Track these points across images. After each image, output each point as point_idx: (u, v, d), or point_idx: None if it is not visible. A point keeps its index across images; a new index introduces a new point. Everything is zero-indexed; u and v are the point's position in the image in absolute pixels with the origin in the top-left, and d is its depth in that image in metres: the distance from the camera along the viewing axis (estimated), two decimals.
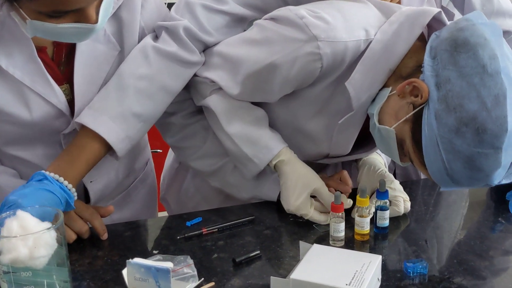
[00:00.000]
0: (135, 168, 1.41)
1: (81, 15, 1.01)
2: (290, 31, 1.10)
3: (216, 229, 1.15)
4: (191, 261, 0.91)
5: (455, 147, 0.97)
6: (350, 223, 1.14)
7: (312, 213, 1.18)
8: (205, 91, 1.23)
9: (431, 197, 1.32)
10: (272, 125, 1.24)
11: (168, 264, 0.84)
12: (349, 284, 0.90)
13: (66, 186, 1.08)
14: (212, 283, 0.97)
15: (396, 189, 1.22)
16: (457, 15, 1.48)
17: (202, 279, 0.93)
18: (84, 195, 1.29)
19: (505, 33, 1.39)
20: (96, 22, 1.02)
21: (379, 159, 1.31)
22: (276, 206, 1.24)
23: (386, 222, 1.14)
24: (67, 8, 0.98)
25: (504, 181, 1.02)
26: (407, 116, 1.04)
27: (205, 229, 1.14)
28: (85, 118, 1.14)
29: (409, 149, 1.06)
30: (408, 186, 1.33)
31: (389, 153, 1.13)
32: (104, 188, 1.30)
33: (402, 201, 1.20)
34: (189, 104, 1.29)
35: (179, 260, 0.89)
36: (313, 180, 1.19)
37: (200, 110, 1.30)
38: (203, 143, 1.29)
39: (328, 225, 1.14)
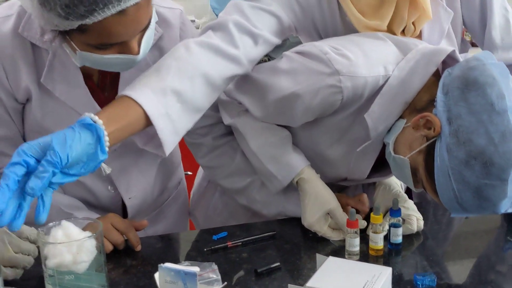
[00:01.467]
0: (168, 186, 1.52)
1: (125, 47, 1.12)
2: (315, 64, 1.19)
3: (240, 243, 1.25)
4: (215, 267, 1.00)
5: (465, 178, 1.05)
6: (365, 239, 1.22)
7: (325, 231, 1.26)
8: (233, 111, 1.34)
9: (444, 216, 1.38)
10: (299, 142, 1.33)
11: (195, 269, 0.93)
12: None
13: (96, 122, 1.00)
14: None
15: (409, 208, 1.29)
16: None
17: (226, 283, 1.03)
18: (122, 211, 1.40)
19: None
20: (138, 53, 1.13)
21: (394, 180, 1.38)
22: (297, 222, 1.33)
23: (399, 239, 1.22)
24: (112, 41, 1.09)
25: (510, 210, 1.09)
26: (421, 147, 1.12)
27: (230, 243, 1.24)
28: (126, 90, 1.13)
29: (422, 177, 1.14)
30: (423, 206, 1.40)
31: (404, 180, 1.21)
32: (141, 204, 1.41)
33: (415, 220, 1.27)
34: (219, 127, 1.40)
35: (205, 266, 0.99)
36: (329, 201, 1.27)
37: (229, 132, 1.40)
38: (231, 163, 1.39)
39: (344, 239, 1.22)
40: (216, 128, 1.40)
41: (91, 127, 0.98)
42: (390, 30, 1.30)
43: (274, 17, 1.34)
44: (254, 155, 1.32)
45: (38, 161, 0.92)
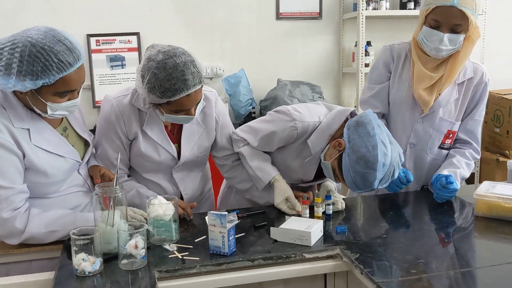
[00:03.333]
0: (204, 190, 2.18)
1: (188, 112, 1.79)
2: (283, 116, 1.91)
3: (246, 215, 1.91)
4: (234, 213, 1.64)
5: (356, 169, 1.71)
6: (311, 214, 1.89)
7: (285, 208, 1.91)
8: (240, 144, 2.03)
9: (358, 204, 2.07)
10: (273, 163, 2.01)
11: (225, 213, 1.58)
12: (306, 229, 1.65)
13: None
14: (243, 234, 1.73)
15: (337, 197, 1.96)
16: None
17: (240, 220, 1.71)
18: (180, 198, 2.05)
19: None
20: (194, 114, 1.82)
21: (330, 184, 2.06)
22: (273, 207, 1.98)
23: (330, 212, 1.88)
24: (183, 108, 1.77)
25: (380, 187, 1.75)
26: (336, 156, 1.80)
27: (240, 215, 1.90)
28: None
29: (337, 172, 1.81)
30: (350, 200, 2.09)
31: (329, 176, 1.87)
32: (191, 197, 2.07)
33: (340, 203, 1.94)
34: (235, 155, 2.09)
35: (230, 213, 1.64)
36: (288, 191, 1.93)
37: (239, 158, 2.08)
38: (241, 174, 2.07)
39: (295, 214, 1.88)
40: (233, 156, 2.09)
41: None
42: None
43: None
44: (250, 168, 2.00)
45: None
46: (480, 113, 2.13)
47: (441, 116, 2.08)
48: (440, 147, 2.14)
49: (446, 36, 1.93)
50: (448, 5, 1.88)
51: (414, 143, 2.14)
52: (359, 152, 1.69)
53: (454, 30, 1.93)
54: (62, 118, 1.79)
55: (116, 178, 1.63)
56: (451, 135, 2.12)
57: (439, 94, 2.06)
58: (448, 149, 2.15)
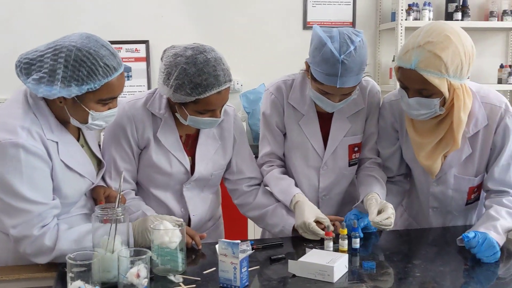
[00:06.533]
0: (214, 216, 2.27)
1: (213, 113, 1.93)
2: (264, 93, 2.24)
3: (261, 246, 1.98)
4: (248, 243, 1.70)
5: (317, 62, 1.95)
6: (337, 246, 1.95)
7: (313, 225, 1.98)
8: (264, 169, 2.22)
9: (389, 239, 2.12)
10: (287, 148, 2.22)
11: (237, 241, 1.65)
12: (328, 263, 1.70)
13: None
14: (258, 267, 1.80)
15: (391, 210, 1.99)
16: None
17: (254, 250, 1.78)
18: (188, 223, 2.13)
19: None
20: (220, 117, 1.95)
21: (377, 197, 2.08)
22: (293, 238, 2.06)
23: (357, 246, 1.93)
24: (212, 108, 1.90)
25: (346, 58, 1.90)
26: (310, 76, 2.03)
27: (255, 246, 1.97)
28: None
29: (320, 90, 2.01)
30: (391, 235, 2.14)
31: (321, 101, 2.04)
32: (199, 220, 2.16)
33: (391, 220, 1.97)
34: (248, 180, 2.20)
35: (243, 242, 1.70)
36: (317, 212, 2.04)
37: (252, 184, 2.20)
38: (252, 201, 2.19)
39: (322, 243, 1.94)
40: (246, 180, 2.21)
41: None
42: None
43: None
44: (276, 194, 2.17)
45: None
46: (507, 157, 2.04)
47: (455, 174, 2.10)
48: (468, 204, 2.17)
49: (414, 100, 1.91)
50: (407, 67, 1.87)
51: (437, 206, 2.21)
52: (312, 48, 1.98)
53: (421, 94, 1.89)
54: (79, 134, 1.92)
55: (118, 199, 1.72)
56: (475, 190, 2.14)
57: (445, 157, 2.06)
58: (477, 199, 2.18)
